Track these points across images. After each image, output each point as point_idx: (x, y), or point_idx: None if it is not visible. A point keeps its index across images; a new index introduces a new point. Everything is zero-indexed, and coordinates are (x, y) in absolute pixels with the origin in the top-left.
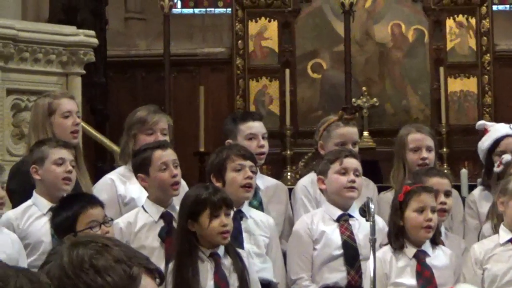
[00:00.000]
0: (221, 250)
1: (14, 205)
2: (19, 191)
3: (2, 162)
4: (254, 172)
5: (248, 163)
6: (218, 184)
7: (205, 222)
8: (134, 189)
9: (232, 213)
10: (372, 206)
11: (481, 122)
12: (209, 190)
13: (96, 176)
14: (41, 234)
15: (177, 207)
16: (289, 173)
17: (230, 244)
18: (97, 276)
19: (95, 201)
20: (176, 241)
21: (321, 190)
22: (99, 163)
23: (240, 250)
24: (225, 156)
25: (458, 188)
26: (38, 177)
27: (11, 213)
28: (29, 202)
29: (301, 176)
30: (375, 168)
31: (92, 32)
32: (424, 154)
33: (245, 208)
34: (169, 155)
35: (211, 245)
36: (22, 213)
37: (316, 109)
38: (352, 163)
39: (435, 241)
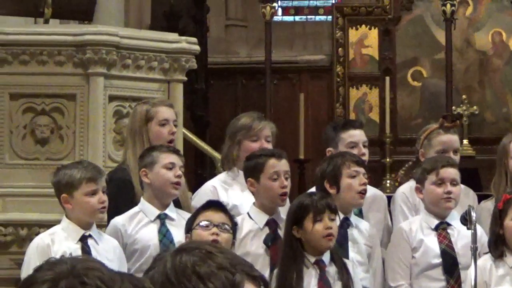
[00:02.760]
0: (326, 258)
1: (108, 212)
2: (112, 199)
3: (105, 168)
4: (366, 180)
5: (362, 170)
6: (332, 191)
7: (309, 226)
8: (236, 196)
9: (337, 218)
10: (473, 214)
11: None
12: (313, 196)
13: (196, 183)
14: (149, 239)
15: (283, 215)
16: (388, 181)
17: (336, 252)
18: (200, 282)
19: (218, 206)
20: (282, 247)
21: (420, 199)
22: (199, 170)
23: (345, 260)
24: (340, 163)
25: None
26: (147, 180)
27: (119, 219)
28: (136, 208)
29: (400, 184)
30: (474, 177)
31: (194, 39)
32: None
33: (353, 218)
34: (282, 165)
35: (317, 251)
36: (129, 219)
37: (416, 117)
38: (449, 173)
39: None
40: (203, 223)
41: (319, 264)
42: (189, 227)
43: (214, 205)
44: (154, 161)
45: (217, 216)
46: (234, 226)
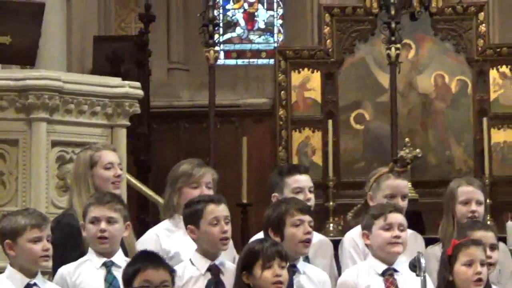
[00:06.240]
0: None
1: (54, 258)
2: (59, 244)
3: (47, 215)
4: (312, 227)
5: (307, 218)
6: (277, 239)
7: (257, 273)
8: (179, 243)
9: (287, 265)
10: (422, 261)
11: None
12: (264, 242)
13: (139, 228)
14: None
15: (226, 261)
16: (331, 225)
17: None
18: None
19: (159, 263)
20: None
21: (366, 245)
22: (142, 215)
23: None
24: (284, 211)
25: (503, 240)
26: (84, 233)
27: (65, 268)
28: (84, 257)
29: (348, 228)
30: (418, 220)
31: (138, 84)
32: (474, 207)
33: (301, 264)
34: (221, 210)
35: None
36: (75, 268)
37: (359, 160)
38: (397, 218)
39: None
40: (145, 283)
41: None
42: (130, 285)
43: (152, 261)
44: (86, 213)
45: (157, 275)
46: (172, 275)
